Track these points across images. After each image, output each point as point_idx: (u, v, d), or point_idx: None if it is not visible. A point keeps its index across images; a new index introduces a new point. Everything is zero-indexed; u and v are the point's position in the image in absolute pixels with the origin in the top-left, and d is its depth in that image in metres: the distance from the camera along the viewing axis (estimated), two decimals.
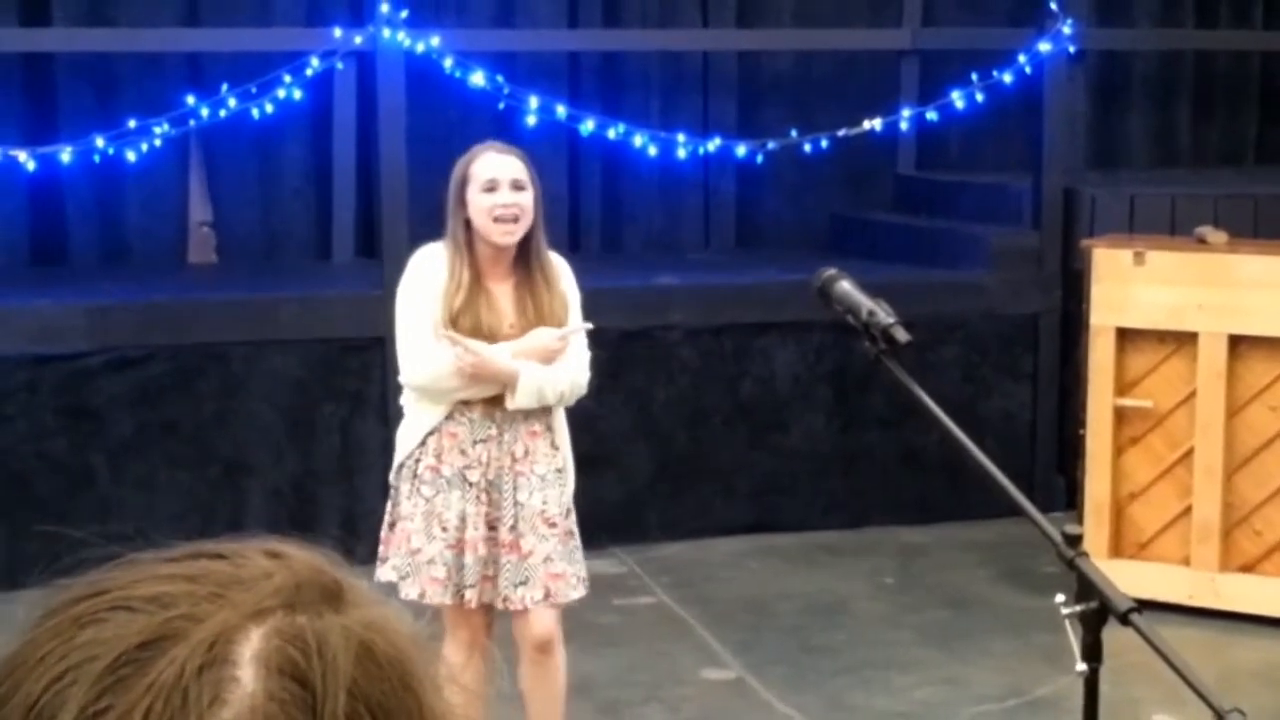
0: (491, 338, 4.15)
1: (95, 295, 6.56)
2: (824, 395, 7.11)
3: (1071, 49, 7.58)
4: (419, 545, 4.20)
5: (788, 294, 6.79)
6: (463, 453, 4.19)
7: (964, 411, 5.97)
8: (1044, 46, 7.46)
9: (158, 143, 6.85)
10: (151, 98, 7.18)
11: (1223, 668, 5.40)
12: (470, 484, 4.19)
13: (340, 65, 7.07)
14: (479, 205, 4.15)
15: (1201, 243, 6.11)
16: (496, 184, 4.15)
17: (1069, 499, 6.90)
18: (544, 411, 4.23)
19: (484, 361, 4.13)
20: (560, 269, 4.32)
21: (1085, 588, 2.55)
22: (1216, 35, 9.05)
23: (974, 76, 7.78)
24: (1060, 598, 2.59)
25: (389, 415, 6.58)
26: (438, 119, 7.59)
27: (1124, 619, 2.49)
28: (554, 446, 4.27)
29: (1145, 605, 2.62)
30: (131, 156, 6.85)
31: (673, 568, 6.59)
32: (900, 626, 5.95)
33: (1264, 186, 7.69)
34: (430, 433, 4.21)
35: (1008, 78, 7.68)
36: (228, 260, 7.73)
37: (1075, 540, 2.59)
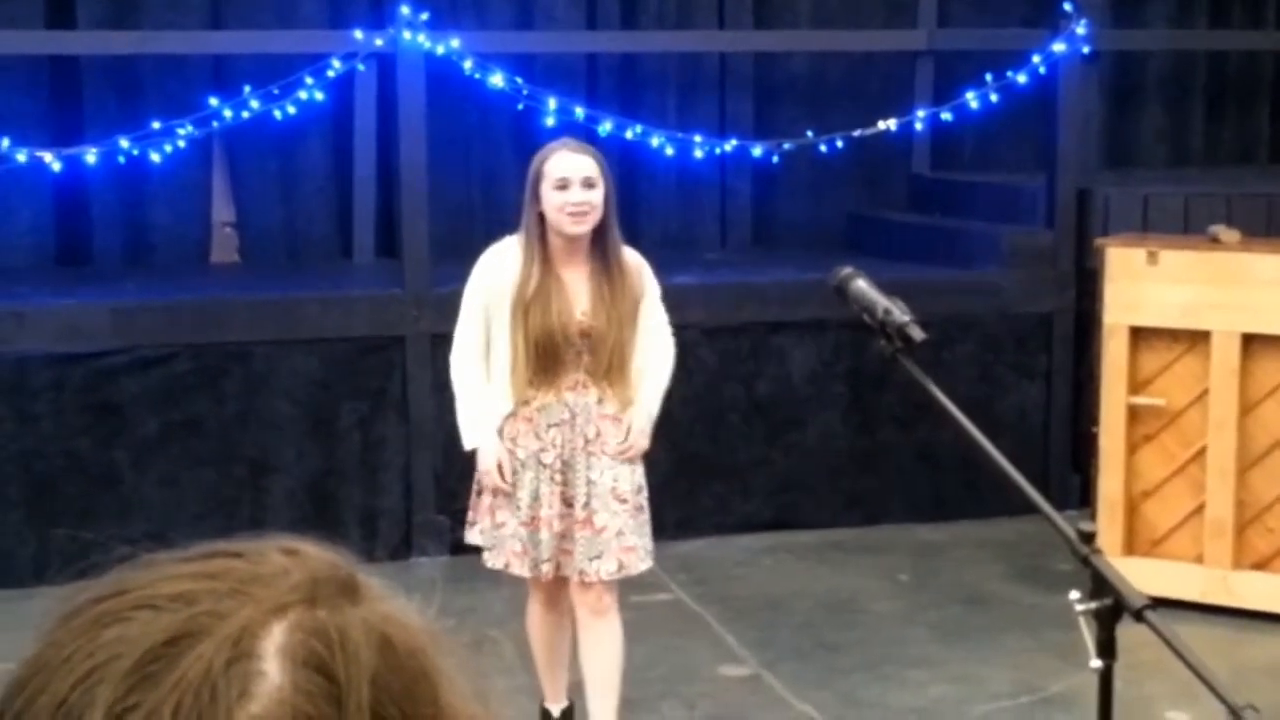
0: (563, 326, 4.34)
1: (120, 295, 6.62)
2: (840, 393, 7.15)
3: (1086, 50, 7.60)
4: (503, 520, 4.43)
5: (804, 293, 6.84)
6: (537, 436, 4.41)
7: (978, 409, 6.01)
8: (1058, 47, 7.48)
9: (181, 144, 6.90)
10: (175, 99, 7.24)
11: (1236, 665, 5.40)
12: (545, 465, 4.40)
13: (361, 67, 7.12)
14: (551, 201, 4.35)
15: (1214, 242, 6.11)
16: (568, 182, 4.34)
17: (1083, 497, 6.91)
18: (617, 396, 4.44)
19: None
20: (636, 264, 4.53)
21: (1099, 585, 2.56)
22: (1229, 35, 9.07)
23: (988, 77, 7.81)
24: (1074, 595, 2.59)
25: (409, 413, 6.64)
26: (457, 120, 7.66)
27: (1138, 616, 2.50)
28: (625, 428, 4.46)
29: (1158, 603, 2.60)
30: (155, 158, 6.92)
31: (689, 565, 6.62)
32: (915, 623, 5.98)
33: (1277, 185, 7.68)
34: (505, 418, 4.41)
35: (1022, 78, 7.71)
36: (250, 260, 7.78)
37: (1089, 537, 2.60)
